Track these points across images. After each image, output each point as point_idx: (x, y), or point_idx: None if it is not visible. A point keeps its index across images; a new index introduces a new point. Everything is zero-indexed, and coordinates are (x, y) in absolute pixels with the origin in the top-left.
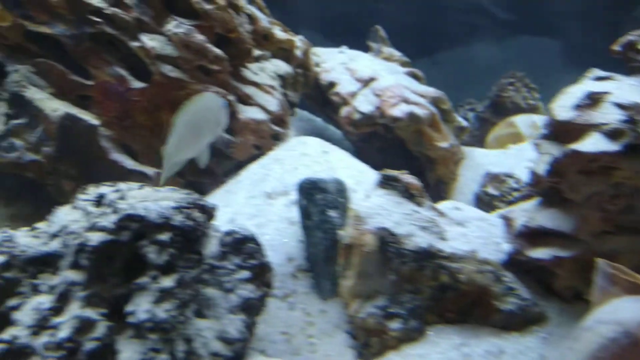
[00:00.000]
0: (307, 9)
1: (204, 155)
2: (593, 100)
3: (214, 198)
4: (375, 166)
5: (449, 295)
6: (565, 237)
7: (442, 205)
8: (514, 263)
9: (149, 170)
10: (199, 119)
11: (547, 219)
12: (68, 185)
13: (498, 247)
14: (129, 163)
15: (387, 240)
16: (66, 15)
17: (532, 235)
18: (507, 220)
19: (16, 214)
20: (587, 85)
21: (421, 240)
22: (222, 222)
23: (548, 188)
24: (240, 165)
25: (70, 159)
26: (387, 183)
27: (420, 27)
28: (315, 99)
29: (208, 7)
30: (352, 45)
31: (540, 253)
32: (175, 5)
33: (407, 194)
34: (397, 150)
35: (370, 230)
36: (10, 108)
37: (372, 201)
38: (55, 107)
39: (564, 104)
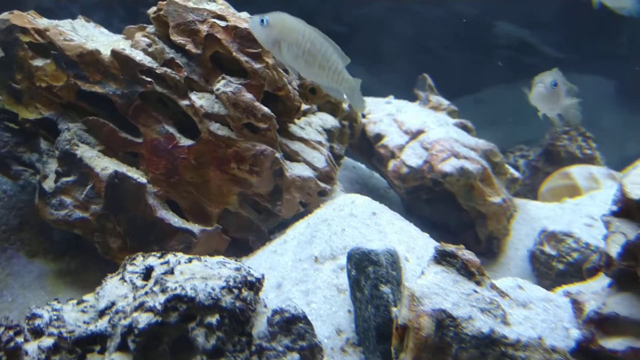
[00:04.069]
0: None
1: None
2: None
3: (259, 258)
4: (423, 218)
5: None
6: None
7: (503, 282)
8: (584, 352)
9: (195, 228)
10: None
11: (621, 305)
12: (114, 243)
13: (566, 333)
14: (175, 221)
15: (445, 324)
16: (118, 75)
17: (605, 322)
18: (576, 304)
19: (64, 270)
20: None
21: (482, 324)
22: (268, 286)
23: (621, 270)
24: (284, 223)
25: (117, 217)
26: (443, 259)
27: (464, 64)
28: (361, 150)
29: (257, 66)
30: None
31: (614, 343)
32: (224, 64)
33: (466, 271)
34: (446, 202)
35: (426, 312)
36: (61, 165)
37: (427, 279)
38: (104, 165)
39: (637, 181)
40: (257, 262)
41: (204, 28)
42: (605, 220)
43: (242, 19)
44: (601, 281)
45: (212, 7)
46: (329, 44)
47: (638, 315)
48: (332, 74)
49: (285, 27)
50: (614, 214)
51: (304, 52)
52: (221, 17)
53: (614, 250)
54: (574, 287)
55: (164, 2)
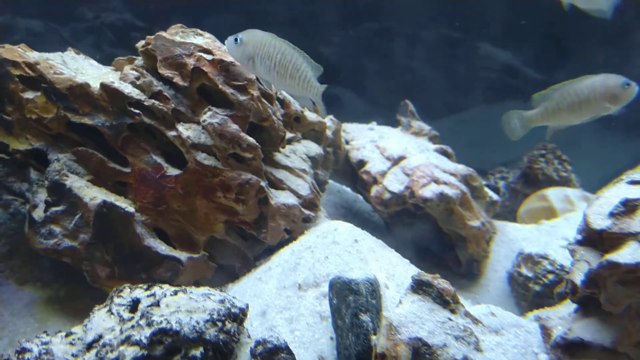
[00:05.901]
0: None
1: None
2: (629, 207)
3: (245, 285)
4: (405, 241)
5: None
6: (604, 350)
7: (477, 309)
8: None
9: (182, 256)
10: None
11: (586, 330)
12: (103, 271)
13: (535, 358)
14: (162, 249)
15: (421, 352)
16: (107, 107)
17: (571, 347)
18: (544, 329)
19: (53, 297)
20: (622, 190)
21: (456, 351)
22: (253, 314)
23: (585, 297)
24: (270, 249)
25: (105, 245)
26: (420, 288)
27: (449, 85)
28: (345, 175)
29: (242, 98)
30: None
31: None
32: (211, 96)
33: (441, 300)
34: (428, 226)
35: (403, 341)
36: (50, 195)
37: (404, 308)
38: (93, 195)
39: (599, 212)
40: (243, 290)
41: (190, 61)
42: (571, 249)
43: (228, 53)
44: (568, 306)
45: (198, 40)
46: (299, 54)
47: (601, 340)
48: (303, 82)
49: (257, 42)
50: (579, 242)
51: (275, 64)
52: (207, 51)
53: (578, 278)
54: (543, 312)
55: (152, 37)
